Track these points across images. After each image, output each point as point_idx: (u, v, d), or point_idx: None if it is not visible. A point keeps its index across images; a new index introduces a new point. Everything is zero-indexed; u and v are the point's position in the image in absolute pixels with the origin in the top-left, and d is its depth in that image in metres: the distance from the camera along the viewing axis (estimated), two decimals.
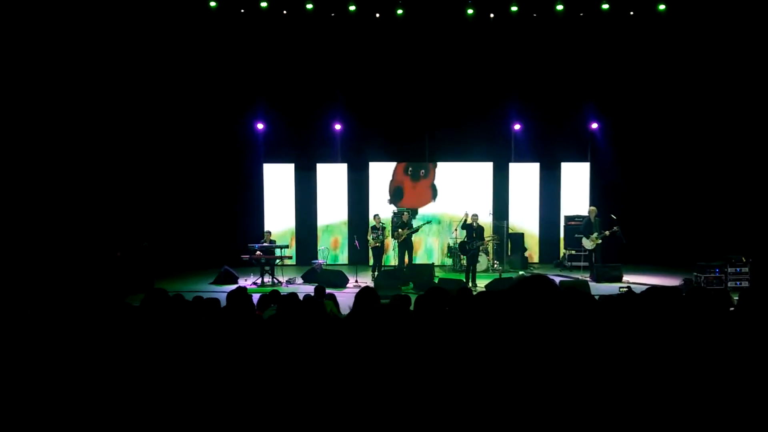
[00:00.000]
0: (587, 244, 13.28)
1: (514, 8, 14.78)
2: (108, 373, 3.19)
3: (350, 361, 2.27)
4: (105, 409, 2.93)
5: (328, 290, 8.46)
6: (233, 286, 6.63)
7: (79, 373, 3.22)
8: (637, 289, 10.04)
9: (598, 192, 15.77)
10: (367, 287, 4.41)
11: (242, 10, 14.68)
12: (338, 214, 16.28)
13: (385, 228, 13.73)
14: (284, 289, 11.29)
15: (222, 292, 8.40)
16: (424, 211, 16.07)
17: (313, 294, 7.40)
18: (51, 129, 12.74)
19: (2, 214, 11.82)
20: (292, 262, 14.62)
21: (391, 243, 14.83)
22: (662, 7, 14.37)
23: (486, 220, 14.92)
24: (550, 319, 2.02)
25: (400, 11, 14.83)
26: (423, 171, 16.32)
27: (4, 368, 3.29)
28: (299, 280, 13.08)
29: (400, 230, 13.54)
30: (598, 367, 2.11)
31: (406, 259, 13.57)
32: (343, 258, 16.10)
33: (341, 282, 12.45)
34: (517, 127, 15.99)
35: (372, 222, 14.06)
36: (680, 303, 3.71)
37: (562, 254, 15.62)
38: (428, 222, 14.84)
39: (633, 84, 15.11)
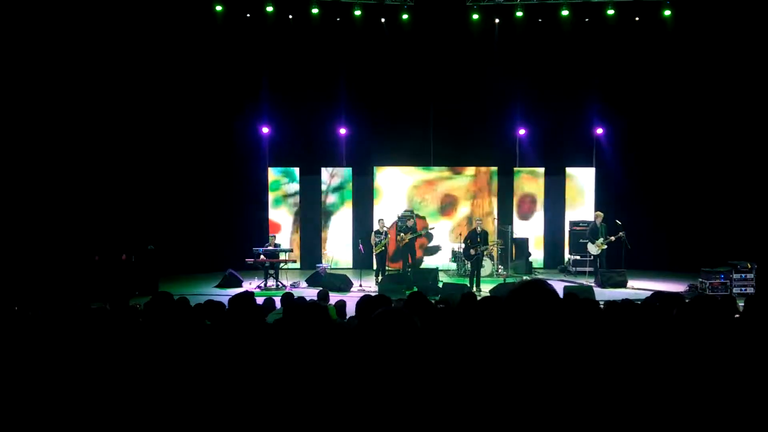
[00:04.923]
0: (593, 249, 13.26)
1: (519, 14, 14.80)
2: (112, 376, 3.20)
3: (355, 366, 2.28)
4: (109, 412, 2.94)
5: (333, 294, 8.46)
6: (238, 290, 6.65)
7: (84, 375, 3.23)
8: (642, 294, 10.05)
9: (603, 197, 15.74)
10: (380, 296, 4.42)
11: (248, 15, 14.76)
12: (343, 217, 16.29)
13: (388, 233, 13.73)
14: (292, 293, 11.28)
15: (226, 295, 8.41)
16: None
17: (316, 298, 7.39)
18: (58, 133, 12.82)
19: (8, 218, 11.89)
20: (297, 266, 14.63)
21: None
22: (667, 12, 14.37)
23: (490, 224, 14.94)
24: (550, 325, 2.01)
25: (405, 16, 14.88)
26: None
27: (7, 370, 3.30)
28: (303, 284, 13.08)
29: (402, 234, 13.53)
30: (600, 373, 2.11)
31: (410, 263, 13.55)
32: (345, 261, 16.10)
33: (345, 286, 12.45)
34: (522, 131, 15.97)
35: (376, 226, 14.06)
36: (685, 309, 3.69)
37: (566, 259, 15.59)
38: (431, 228, 14.85)
39: (638, 89, 15.07)
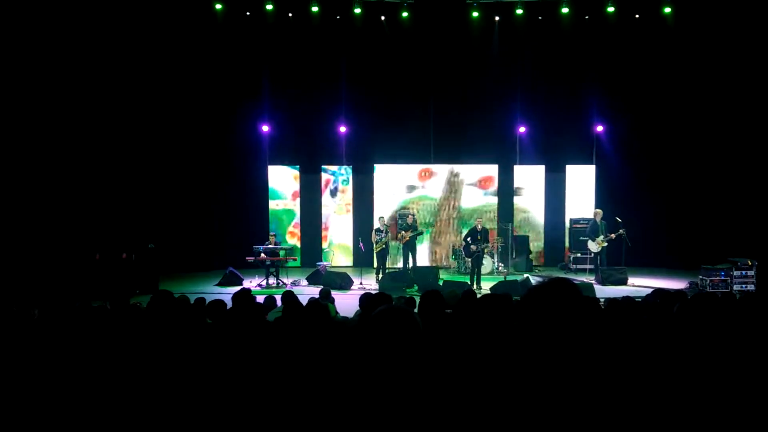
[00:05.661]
0: (593, 246, 13.25)
1: (519, 11, 14.79)
2: (113, 374, 3.20)
3: (356, 364, 2.28)
4: (110, 411, 2.94)
5: (332, 292, 8.47)
6: (238, 288, 6.65)
7: (85, 373, 3.23)
8: (643, 292, 10.05)
9: (603, 194, 15.73)
10: (381, 293, 4.41)
11: (248, 13, 14.76)
12: (343, 216, 16.29)
13: (388, 231, 13.72)
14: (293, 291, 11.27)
15: (227, 293, 8.43)
16: None
17: (317, 297, 7.40)
18: (59, 132, 12.82)
19: (9, 217, 11.89)
20: (297, 264, 14.62)
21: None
22: (667, 10, 14.36)
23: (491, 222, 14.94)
24: (564, 324, 2.00)
25: (405, 14, 14.86)
26: None
27: (10, 368, 3.30)
28: (304, 282, 13.08)
29: (403, 232, 13.53)
30: (602, 372, 2.10)
31: (410, 262, 13.54)
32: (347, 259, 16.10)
33: (346, 284, 12.45)
34: (522, 129, 15.96)
35: (376, 224, 14.06)
36: (685, 306, 3.70)
37: (567, 257, 15.58)
38: (432, 226, 14.83)
39: (638, 86, 15.07)
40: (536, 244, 16.08)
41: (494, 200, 16.18)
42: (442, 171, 16.20)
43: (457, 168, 16.19)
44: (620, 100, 15.34)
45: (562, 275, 14.12)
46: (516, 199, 16.23)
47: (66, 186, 12.82)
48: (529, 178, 16.14)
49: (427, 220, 14.68)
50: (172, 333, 3.90)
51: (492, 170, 16.20)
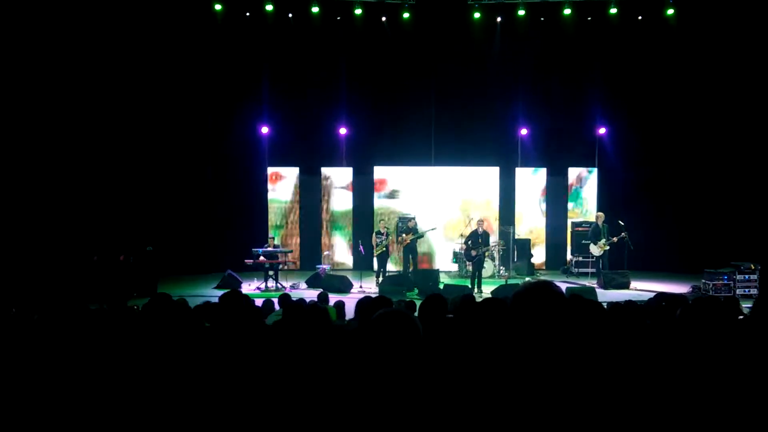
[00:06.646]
0: (595, 250, 13.19)
1: (521, 12, 14.76)
2: (110, 378, 3.15)
3: (355, 369, 2.22)
4: (106, 414, 2.89)
5: (332, 295, 8.41)
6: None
7: (81, 377, 3.18)
8: (645, 296, 9.98)
9: (605, 197, 15.67)
10: (380, 297, 4.35)
11: (247, 14, 14.74)
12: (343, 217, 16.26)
13: (389, 234, 13.67)
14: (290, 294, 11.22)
15: None
16: None
17: (316, 300, 7.33)
18: (57, 134, 12.79)
19: (7, 218, 11.86)
20: (296, 266, 14.56)
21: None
22: (670, 12, 14.32)
23: (492, 225, 14.90)
24: (555, 328, 1.96)
25: (406, 15, 14.83)
26: None
27: (5, 371, 3.26)
28: (303, 285, 13.02)
29: (404, 235, 13.48)
30: (604, 375, 2.05)
31: (411, 265, 13.49)
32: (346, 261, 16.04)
33: (345, 287, 12.39)
34: (523, 131, 15.91)
35: (377, 227, 14.01)
36: (688, 310, 3.64)
37: (569, 260, 15.52)
38: (433, 228, 14.76)
39: (641, 89, 15.03)
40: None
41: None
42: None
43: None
44: (623, 103, 15.31)
45: (563, 279, 14.14)
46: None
47: (64, 187, 12.78)
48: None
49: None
50: (169, 336, 3.84)
51: (492, 172, 16.15)
